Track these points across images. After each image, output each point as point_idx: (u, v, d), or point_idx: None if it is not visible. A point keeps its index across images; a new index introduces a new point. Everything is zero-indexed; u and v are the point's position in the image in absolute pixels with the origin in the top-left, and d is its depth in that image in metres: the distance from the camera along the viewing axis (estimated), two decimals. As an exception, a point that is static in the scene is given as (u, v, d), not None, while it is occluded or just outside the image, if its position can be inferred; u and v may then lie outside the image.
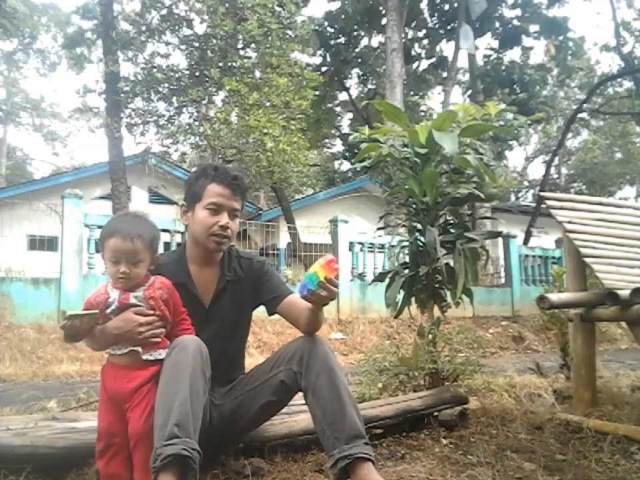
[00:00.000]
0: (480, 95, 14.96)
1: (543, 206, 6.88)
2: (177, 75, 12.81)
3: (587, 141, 26.64)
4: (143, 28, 12.78)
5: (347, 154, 21.01)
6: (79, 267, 6.88)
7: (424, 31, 17.92)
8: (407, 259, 3.05)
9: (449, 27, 16.88)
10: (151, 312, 1.73)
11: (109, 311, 1.72)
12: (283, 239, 13.65)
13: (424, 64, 18.88)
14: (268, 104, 10.90)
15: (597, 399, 2.80)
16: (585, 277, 2.92)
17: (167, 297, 1.77)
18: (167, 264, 2.01)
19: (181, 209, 2.06)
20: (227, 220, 1.91)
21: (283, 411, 2.11)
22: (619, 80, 18.44)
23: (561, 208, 2.83)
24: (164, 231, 7.70)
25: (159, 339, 1.74)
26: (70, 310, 1.60)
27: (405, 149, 3.01)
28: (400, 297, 2.99)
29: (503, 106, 3.74)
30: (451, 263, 2.87)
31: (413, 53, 18.07)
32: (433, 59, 18.50)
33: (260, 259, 2.12)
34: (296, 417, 2.21)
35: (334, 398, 1.73)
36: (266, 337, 6.82)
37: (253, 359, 5.20)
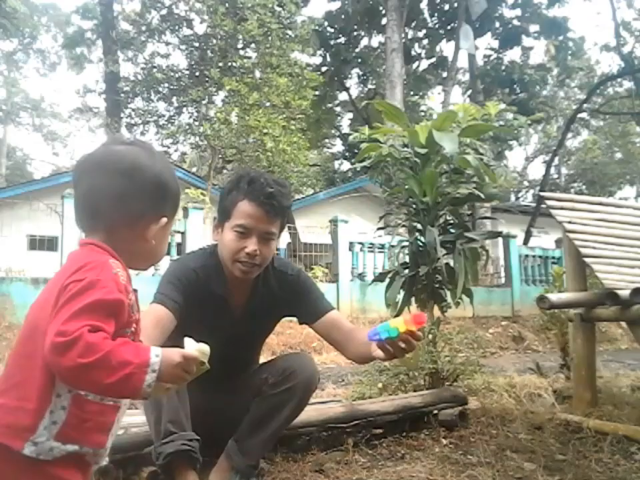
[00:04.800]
0: (480, 95, 14.97)
1: (543, 206, 6.90)
2: (177, 75, 12.83)
3: (587, 140, 26.63)
4: (143, 28, 12.80)
5: (347, 154, 21.02)
6: (78, 267, 6.87)
7: (424, 31, 17.93)
8: (407, 259, 3.05)
9: (449, 27, 16.89)
10: None
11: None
12: (283, 239, 13.65)
13: (424, 64, 18.92)
14: (268, 104, 10.92)
15: (597, 399, 2.80)
16: (585, 277, 2.93)
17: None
18: (205, 267, 1.80)
19: (212, 223, 1.89)
20: (254, 247, 1.68)
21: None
22: (619, 80, 18.45)
23: (561, 208, 2.83)
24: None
25: None
26: (200, 350, 0.97)
27: (405, 148, 3.01)
28: (400, 297, 2.98)
29: (503, 106, 3.76)
30: (451, 263, 2.87)
31: (413, 53, 18.08)
32: (433, 59, 18.52)
33: (294, 271, 1.93)
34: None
35: (275, 413, 1.78)
36: (266, 336, 6.80)
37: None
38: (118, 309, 0.93)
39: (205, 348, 0.97)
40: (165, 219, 1.05)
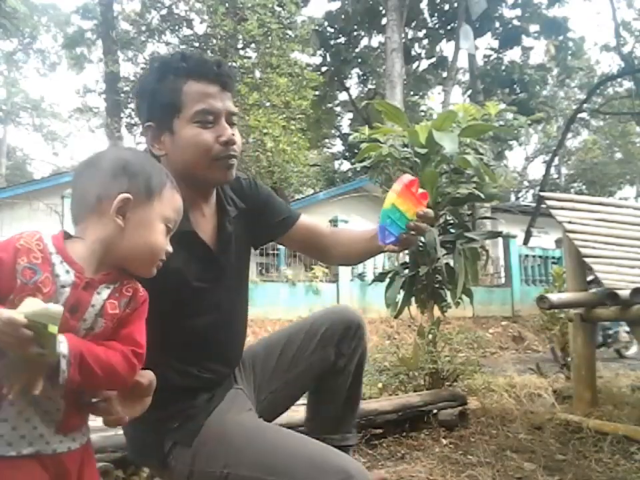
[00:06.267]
0: (480, 95, 14.97)
1: (543, 206, 6.90)
2: (177, 75, 12.82)
3: (587, 140, 26.64)
4: (143, 28, 12.81)
5: (347, 154, 21.02)
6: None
7: (424, 31, 17.95)
8: (407, 259, 3.05)
9: (449, 27, 16.91)
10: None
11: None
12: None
13: (424, 64, 18.94)
14: (268, 104, 10.92)
15: (597, 399, 2.80)
16: (585, 277, 2.93)
17: (124, 316, 0.99)
18: None
19: (145, 134, 1.32)
20: (230, 131, 1.28)
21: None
22: (619, 80, 18.46)
23: (561, 208, 2.83)
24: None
25: None
26: (28, 308, 0.81)
27: (405, 148, 3.01)
28: (400, 297, 2.99)
29: (503, 106, 3.76)
30: (451, 263, 2.87)
31: (413, 52, 18.09)
32: (433, 59, 18.53)
33: (246, 176, 1.54)
34: (296, 407, 2.19)
35: (357, 387, 1.58)
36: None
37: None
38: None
39: (53, 309, 0.82)
40: (124, 195, 0.97)
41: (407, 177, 1.24)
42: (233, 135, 1.28)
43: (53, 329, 0.81)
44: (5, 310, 0.80)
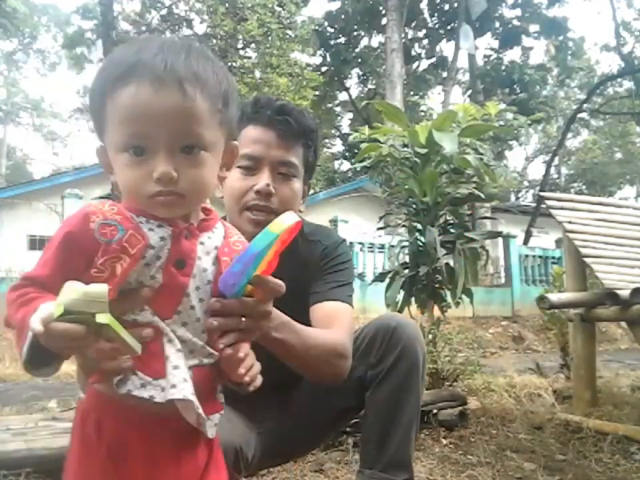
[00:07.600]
0: (480, 95, 14.97)
1: (543, 206, 6.91)
2: (177, 75, 12.87)
3: (587, 140, 26.66)
4: (143, 28, 12.82)
5: (347, 154, 21.03)
6: (78, 267, 6.87)
7: (424, 31, 17.97)
8: (407, 259, 3.05)
9: (449, 27, 16.93)
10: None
11: (151, 268, 0.74)
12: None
13: (424, 64, 18.97)
14: (268, 104, 10.95)
15: (597, 399, 2.80)
16: (585, 277, 2.93)
17: None
18: None
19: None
20: (266, 181, 1.19)
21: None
22: (619, 80, 18.47)
23: (561, 208, 2.83)
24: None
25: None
26: (67, 297, 0.63)
27: (405, 148, 3.01)
28: (400, 296, 2.98)
29: (503, 106, 3.76)
30: (451, 263, 2.87)
31: (413, 53, 18.10)
32: (433, 59, 18.55)
33: (330, 240, 1.38)
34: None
35: (399, 403, 1.28)
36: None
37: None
38: (66, 243, 0.73)
39: (94, 291, 0.63)
40: (96, 149, 0.79)
41: (294, 219, 0.74)
42: (268, 185, 1.18)
43: (101, 318, 0.63)
44: (41, 308, 0.64)
